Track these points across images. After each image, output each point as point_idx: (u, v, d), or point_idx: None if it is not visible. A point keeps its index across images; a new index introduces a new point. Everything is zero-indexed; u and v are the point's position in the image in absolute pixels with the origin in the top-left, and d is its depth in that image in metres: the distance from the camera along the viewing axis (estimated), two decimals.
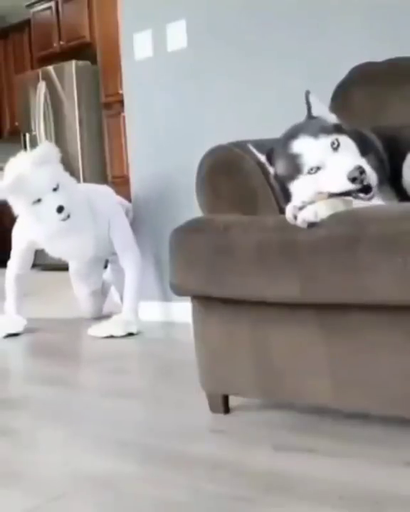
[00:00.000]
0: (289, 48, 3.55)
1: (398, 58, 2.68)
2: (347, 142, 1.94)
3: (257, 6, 3.66)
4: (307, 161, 1.92)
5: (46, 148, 3.71)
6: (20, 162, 3.63)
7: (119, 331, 3.72)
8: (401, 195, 2.05)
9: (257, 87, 3.68)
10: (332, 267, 1.78)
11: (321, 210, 1.83)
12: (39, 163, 3.58)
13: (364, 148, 1.98)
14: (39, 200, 3.57)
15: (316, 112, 2.03)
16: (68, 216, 3.63)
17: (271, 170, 2.08)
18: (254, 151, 2.12)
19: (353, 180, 1.83)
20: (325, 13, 3.42)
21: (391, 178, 2.05)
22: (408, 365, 1.79)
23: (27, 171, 3.56)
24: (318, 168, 1.91)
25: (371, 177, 1.91)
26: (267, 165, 2.08)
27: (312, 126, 1.98)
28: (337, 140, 1.91)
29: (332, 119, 2.04)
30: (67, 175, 3.84)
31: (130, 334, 3.73)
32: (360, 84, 2.68)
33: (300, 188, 1.96)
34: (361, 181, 1.83)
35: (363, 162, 1.91)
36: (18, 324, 3.94)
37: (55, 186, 3.60)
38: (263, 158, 2.09)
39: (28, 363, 3.33)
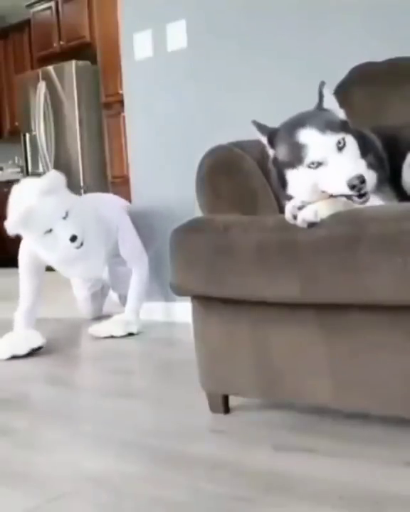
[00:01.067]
0: (289, 48, 3.55)
1: (398, 58, 2.68)
2: (351, 142, 1.93)
3: (257, 6, 3.66)
4: (311, 154, 1.90)
5: (52, 178, 3.63)
6: (26, 194, 3.54)
7: (120, 331, 3.72)
8: (401, 195, 2.05)
9: (257, 87, 3.68)
10: (332, 267, 1.78)
11: (321, 210, 1.83)
12: (46, 193, 3.50)
13: (364, 148, 1.97)
14: (50, 230, 3.52)
15: (327, 104, 2.01)
16: (82, 244, 3.59)
17: (271, 153, 2.05)
18: (256, 129, 2.09)
19: (352, 187, 1.82)
20: (325, 13, 3.42)
21: (391, 178, 2.05)
22: (408, 365, 1.79)
23: (34, 202, 3.48)
24: (319, 164, 1.90)
25: (369, 179, 1.91)
26: (267, 147, 2.06)
27: (321, 118, 1.96)
28: (343, 139, 1.90)
29: (341, 114, 2.02)
30: (74, 198, 3.79)
31: (130, 334, 3.73)
32: (360, 84, 2.68)
33: (297, 179, 1.95)
34: (360, 190, 1.82)
35: (362, 164, 1.91)
36: (36, 337, 3.61)
37: (64, 215, 3.53)
38: (264, 139, 2.07)
39: (29, 362, 3.33)
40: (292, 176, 1.96)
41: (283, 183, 1.99)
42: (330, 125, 1.93)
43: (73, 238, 3.54)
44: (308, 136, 1.92)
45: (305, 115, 2.00)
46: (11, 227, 3.48)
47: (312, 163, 1.90)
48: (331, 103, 2.02)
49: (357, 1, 3.30)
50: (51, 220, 3.51)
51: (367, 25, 3.27)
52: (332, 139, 1.90)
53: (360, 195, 1.84)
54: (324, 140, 1.90)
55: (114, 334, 3.72)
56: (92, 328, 3.79)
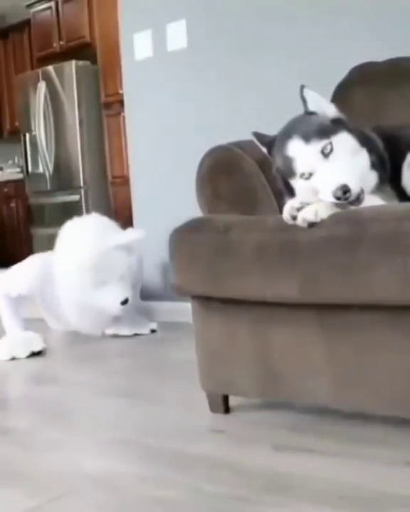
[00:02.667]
0: (289, 48, 3.55)
1: (399, 58, 2.68)
2: (343, 141, 1.92)
3: (257, 6, 3.66)
4: (299, 167, 1.93)
5: (138, 237, 3.56)
6: (101, 235, 3.47)
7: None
8: (401, 195, 2.05)
9: (257, 87, 3.68)
10: (332, 267, 1.78)
11: (321, 210, 1.82)
12: (123, 249, 3.46)
13: (367, 145, 1.97)
14: (103, 283, 3.46)
15: (313, 106, 2.00)
16: (126, 303, 3.54)
17: (273, 162, 2.07)
18: (257, 142, 2.10)
19: (337, 198, 1.82)
20: (325, 13, 3.42)
21: (391, 178, 2.05)
22: (408, 365, 1.78)
23: (109, 250, 3.43)
24: (310, 174, 1.91)
25: (370, 178, 1.91)
26: (269, 157, 2.08)
27: (307, 125, 1.96)
28: (330, 144, 1.90)
29: (331, 111, 2.01)
30: (135, 259, 3.67)
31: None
32: (360, 84, 2.68)
33: (297, 187, 1.96)
34: (346, 199, 1.82)
35: (363, 155, 1.91)
36: (37, 341, 3.52)
37: (124, 275, 3.51)
38: (264, 150, 2.08)
39: (28, 363, 3.33)
40: (294, 184, 1.97)
41: (290, 190, 2.01)
42: (315, 132, 1.92)
43: (125, 301, 3.50)
44: (294, 149, 1.94)
45: (292, 124, 2.01)
46: (85, 266, 3.38)
47: (303, 175, 1.92)
48: (318, 103, 2.01)
49: (358, 1, 3.30)
50: (114, 272, 3.45)
51: (367, 25, 3.27)
52: (316, 146, 1.90)
53: (353, 202, 1.84)
54: (308, 150, 1.91)
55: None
56: None
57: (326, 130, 1.93)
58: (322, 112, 1.99)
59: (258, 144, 2.10)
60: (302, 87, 2.01)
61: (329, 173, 1.86)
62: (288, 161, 1.96)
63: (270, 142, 2.05)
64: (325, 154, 1.89)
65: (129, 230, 3.62)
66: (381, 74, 2.67)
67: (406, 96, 2.54)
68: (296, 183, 1.96)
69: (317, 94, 2.02)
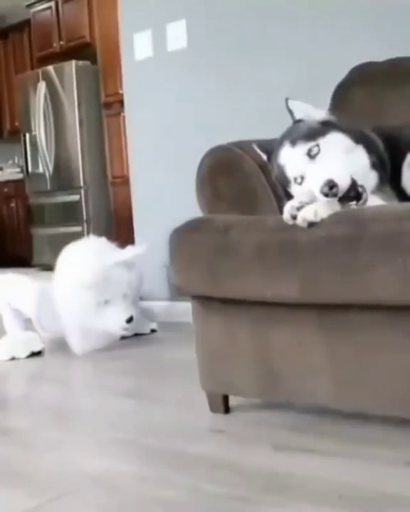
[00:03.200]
0: (289, 48, 3.55)
1: (399, 58, 2.68)
2: (333, 140, 1.92)
3: (257, 6, 3.66)
4: (289, 172, 1.94)
5: (137, 253, 3.47)
6: (101, 254, 3.40)
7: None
8: (401, 195, 2.05)
9: (257, 87, 3.68)
10: (332, 267, 1.78)
11: (321, 210, 1.82)
12: (123, 266, 3.39)
13: (366, 146, 1.97)
14: (106, 302, 3.37)
15: (300, 115, 2.01)
16: (131, 321, 3.44)
17: (273, 171, 2.08)
18: (258, 151, 2.12)
19: (325, 195, 1.82)
20: (325, 13, 3.42)
21: (391, 178, 2.05)
22: (408, 365, 1.78)
23: (110, 268, 3.35)
24: (302, 178, 1.91)
25: (370, 178, 1.91)
26: (270, 166, 2.09)
27: (295, 131, 1.98)
28: (316, 146, 1.90)
29: (319, 115, 2.02)
30: (138, 278, 3.61)
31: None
32: (360, 84, 2.68)
33: (296, 194, 1.97)
34: (335, 194, 1.82)
35: (359, 151, 1.91)
36: (37, 341, 3.52)
37: (126, 292, 3.43)
38: (265, 157, 2.09)
39: (28, 363, 3.33)
40: (292, 192, 1.98)
41: (289, 197, 2.01)
42: (301, 136, 1.94)
43: (130, 319, 3.41)
44: (283, 155, 1.97)
45: (284, 133, 2.03)
46: (85, 284, 3.29)
47: (296, 180, 1.92)
48: (304, 111, 2.02)
49: (358, 1, 3.30)
50: (116, 291, 3.38)
51: (367, 25, 3.27)
52: (301, 149, 1.91)
53: (354, 198, 1.84)
54: (294, 153, 1.93)
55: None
56: None
57: (313, 133, 1.93)
58: (309, 117, 2.00)
59: (260, 152, 2.11)
60: (286, 100, 2.02)
61: (316, 172, 1.87)
62: (281, 169, 1.98)
63: (269, 151, 2.07)
64: (311, 156, 1.89)
65: (129, 247, 3.55)
66: (381, 74, 2.67)
67: (406, 96, 2.54)
68: (293, 190, 1.97)
69: (302, 103, 2.03)
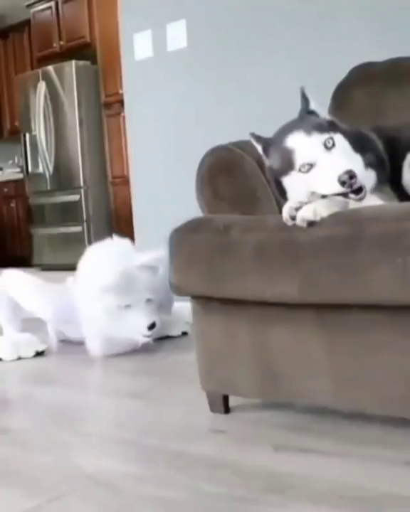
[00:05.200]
0: (289, 48, 3.55)
1: (399, 58, 2.68)
2: (341, 141, 1.93)
3: (257, 6, 3.66)
4: (299, 158, 1.92)
5: (161, 256, 3.17)
6: (123, 256, 3.28)
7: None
8: (401, 195, 2.05)
9: (257, 87, 3.68)
10: (332, 267, 1.78)
11: (320, 209, 1.82)
12: (147, 269, 3.24)
13: (362, 146, 1.97)
14: (127, 306, 3.22)
15: (313, 106, 2.02)
16: (154, 327, 3.25)
17: (267, 162, 2.07)
18: (253, 141, 2.11)
19: (342, 183, 1.82)
20: (325, 14, 3.42)
21: (391, 178, 2.05)
22: (408, 365, 1.78)
23: (132, 270, 3.21)
24: (310, 166, 1.91)
25: (368, 178, 1.91)
26: (263, 157, 2.08)
27: (308, 122, 1.98)
28: (331, 139, 1.90)
29: (325, 115, 2.03)
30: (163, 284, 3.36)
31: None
32: (360, 84, 2.68)
33: (292, 184, 1.96)
34: (351, 185, 1.82)
35: (357, 160, 1.91)
36: (36, 341, 3.50)
37: (150, 297, 3.27)
38: (260, 148, 2.08)
39: (28, 362, 3.33)
40: (287, 182, 1.97)
41: (282, 191, 2.01)
42: (316, 127, 1.94)
43: (152, 326, 3.22)
44: (295, 140, 1.95)
45: (292, 122, 2.03)
46: (102, 285, 3.16)
47: (303, 166, 1.91)
48: (315, 106, 2.03)
49: (357, 1, 3.31)
50: (139, 295, 3.24)
51: (367, 25, 3.27)
52: (318, 139, 1.91)
53: (355, 191, 1.84)
54: (310, 141, 1.92)
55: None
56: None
57: (327, 127, 1.94)
58: (320, 113, 2.01)
59: (254, 142, 2.10)
60: (302, 88, 2.02)
61: (334, 161, 1.87)
62: (287, 153, 1.95)
63: (266, 140, 2.06)
64: (327, 147, 1.90)
65: (152, 250, 3.34)
66: (381, 74, 2.67)
67: (406, 96, 2.54)
68: (290, 179, 1.96)
69: (312, 98, 2.04)
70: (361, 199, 1.85)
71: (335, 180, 1.82)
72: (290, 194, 1.97)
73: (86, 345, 3.35)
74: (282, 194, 2.02)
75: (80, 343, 3.41)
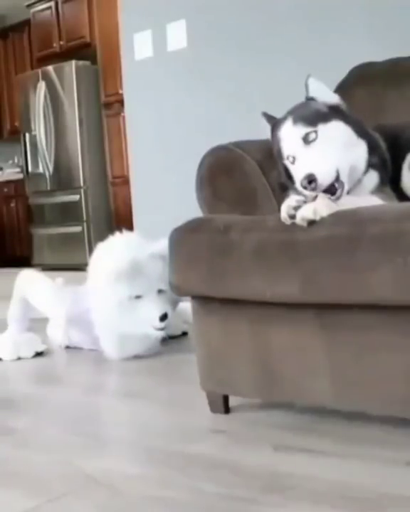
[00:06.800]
0: (289, 48, 3.55)
1: (399, 58, 2.68)
2: (334, 129, 1.93)
3: (257, 6, 3.66)
4: (284, 149, 1.95)
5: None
6: (133, 245, 3.18)
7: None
8: (400, 196, 2.05)
9: (257, 87, 3.68)
10: (332, 267, 1.77)
11: (320, 209, 1.82)
12: (159, 258, 3.07)
13: (365, 135, 1.98)
14: (138, 297, 3.10)
15: (313, 93, 2.03)
16: (166, 318, 3.12)
17: (273, 143, 2.09)
18: (264, 120, 2.12)
19: (304, 188, 1.83)
20: (325, 13, 3.42)
21: (391, 179, 2.05)
22: (409, 366, 1.78)
23: (143, 259, 3.10)
24: (294, 158, 1.92)
25: (370, 178, 1.92)
26: (271, 138, 2.09)
27: (302, 109, 2.00)
28: (314, 132, 1.91)
29: (333, 99, 2.04)
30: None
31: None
32: (360, 84, 2.68)
33: (292, 171, 1.98)
34: (313, 189, 1.82)
35: (361, 146, 1.93)
36: (38, 341, 3.50)
37: (162, 288, 3.10)
38: (268, 129, 2.09)
39: (28, 362, 3.33)
40: (291, 168, 1.99)
41: (288, 175, 2.01)
42: (307, 117, 1.95)
43: (164, 317, 3.08)
44: (282, 130, 1.99)
45: (294, 106, 2.04)
46: (111, 274, 3.06)
47: (288, 158, 1.93)
48: (319, 91, 2.03)
49: (358, 1, 3.31)
50: (150, 285, 3.11)
51: (367, 25, 3.27)
52: (299, 131, 1.92)
53: (329, 192, 1.84)
54: (292, 132, 1.94)
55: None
56: None
57: (317, 117, 1.95)
58: (321, 98, 2.01)
59: (265, 121, 2.11)
60: (307, 76, 2.02)
61: (305, 161, 1.89)
62: (278, 141, 1.99)
63: (275, 123, 2.07)
64: (307, 141, 1.90)
65: (163, 239, 3.28)
66: (381, 74, 2.67)
67: (406, 96, 2.54)
68: (289, 165, 1.98)
69: (321, 83, 2.04)
70: (338, 198, 1.85)
71: (299, 183, 1.84)
72: (296, 178, 1.97)
73: (100, 346, 3.28)
74: (289, 178, 2.02)
75: (90, 351, 3.39)
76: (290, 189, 2.07)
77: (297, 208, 1.85)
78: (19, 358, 3.37)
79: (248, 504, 1.60)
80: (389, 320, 1.79)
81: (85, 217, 7.61)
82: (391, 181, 2.05)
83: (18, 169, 9.27)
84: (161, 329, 3.12)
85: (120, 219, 7.11)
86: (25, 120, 8.25)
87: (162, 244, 2.99)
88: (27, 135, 8.18)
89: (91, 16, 7.72)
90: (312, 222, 1.81)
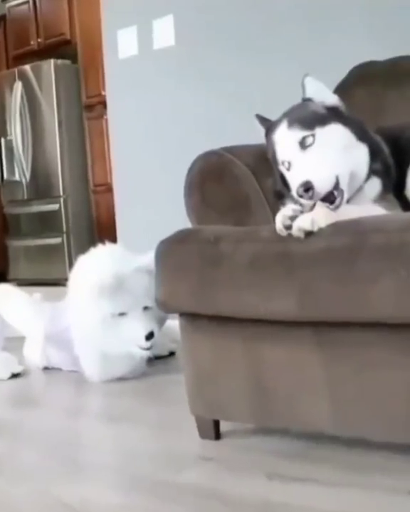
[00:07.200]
0: (285, 45, 3.57)
1: (399, 58, 2.71)
2: (332, 132, 1.94)
3: (250, 2, 3.68)
4: (279, 154, 1.96)
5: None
6: (117, 258, 3.16)
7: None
8: (406, 204, 2.05)
9: (251, 87, 3.69)
10: (330, 280, 1.78)
11: (318, 219, 1.82)
12: (143, 272, 3.04)
13: (372, 152, 1.99)
14: (122, 315, 3.07)
15: (311, 94, 2.04)
16: (152, 337, 3.10)
17: (268, 147, 2.10)
18: (258, 122, 2.13)
19: (300, 196, 1.84)
20: (325, 13, 3.45)
21: (395, 186, 2.06)
22: None
23: (128, 273, 3.07)
24: (289, 164, 1.93)
25: (372, 185, 1.93)
26: (265, 141, 2.10)
27: (298, 111, 2.02)
28: (311, 136, 1.92)
29: (331, 100, 2.05)
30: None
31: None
32: (360, 84, 2.71)
33: (288, 177, 1.98)
34: (310, 198, 1.83)
35: (361, 149, 1.94)
36: (15, 362, 3.49)
37: (148, 305, 3.07)
38: (263, 132, 2.10)
39: (3, 384, 3.32)
40: (286, 174, 1.99)
41: (285, 182, 2.02)
42: (301, 119, 1.96)
43: (150, 336, 3.06)
44: (277, 134, 2.00)
45: (289, 109, 2.05)
46: (100, 290, 3.01)
47: (283, 163, 1.94)
48: (317, 91, 2.05)
49: (358, 1, 3.33)
50: (135, 301, 3.07)
51: (367, 25, 3.30)
52: (296, 135, 1.93)
53: (328, 201, 1.85)
54: (287, 137, 1.95)
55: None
56: None
57: (315, 119, 1.96)
58: (319, 99, 2.02)
59: (259, 124, 2.12)
60: (304, 75, 2.04)
61: (302, 167, 1.90)
62: (272, 146, 2.00)
63: (269, 125, 2.08)
64: (303, 146, 1.91)
65: (149, 252, 3.24)
66: (381, 74, 2.71)
67: (406, 96, 2.57)
68: (284, 171, 1.99)
69: (320, 83, 2.05)
70: (337, 207, 1.86)
71: (295, 191, 1.85)
72: (292, 185, 1.98)
73: (80, 367, 3.26)
74: (285, 185, 2.03)
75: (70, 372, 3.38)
76: (286, 197, 2.08)
77: (293, 218, 1.84)
78: None
79: None
80: (392, 338, 1.80)
81: (64, 228, 7.60)
82: (394, 188, 2.06)
83: None
84: (147, 349, 3.09)
85: (103, 230, 7.09)
86: (1, 123, 8.24)
87: (148, 258, 2.95)
88: (2, 139, 8.17)
89: (71, 11, 7.72)
90: (309, 234, 1.81)
